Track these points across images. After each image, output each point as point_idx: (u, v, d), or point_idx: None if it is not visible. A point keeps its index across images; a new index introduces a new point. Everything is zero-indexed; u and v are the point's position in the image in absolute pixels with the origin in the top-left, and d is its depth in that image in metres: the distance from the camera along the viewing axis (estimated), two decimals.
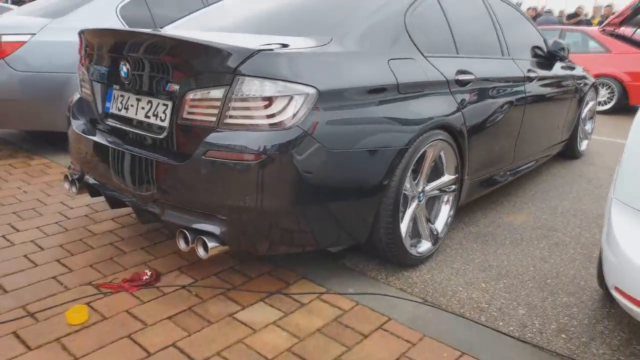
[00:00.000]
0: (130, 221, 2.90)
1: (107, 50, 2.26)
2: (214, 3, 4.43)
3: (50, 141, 4.56)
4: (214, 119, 1.88)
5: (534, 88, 3.34)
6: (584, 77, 4.38)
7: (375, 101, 2.10)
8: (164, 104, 2.06)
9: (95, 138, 2.30)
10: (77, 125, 2.46)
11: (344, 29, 2.18)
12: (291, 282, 2.28)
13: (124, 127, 2.24)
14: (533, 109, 3.34)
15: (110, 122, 2.33)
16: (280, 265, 2.40)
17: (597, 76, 7.34)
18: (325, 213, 2.03)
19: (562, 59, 3.84)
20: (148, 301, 2.09)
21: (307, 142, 1.87)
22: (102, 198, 3.16)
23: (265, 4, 2.71)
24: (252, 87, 1.82)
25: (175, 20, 2.99)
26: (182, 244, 1.99)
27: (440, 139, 2.41)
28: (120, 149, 2.14)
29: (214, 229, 1.91)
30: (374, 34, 2.24)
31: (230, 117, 1.85)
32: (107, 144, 2.22)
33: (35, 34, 3.88)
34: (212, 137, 1.86)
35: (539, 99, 3.43)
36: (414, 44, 2.41)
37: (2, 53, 3.75)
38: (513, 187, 3.79)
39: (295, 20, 2.40)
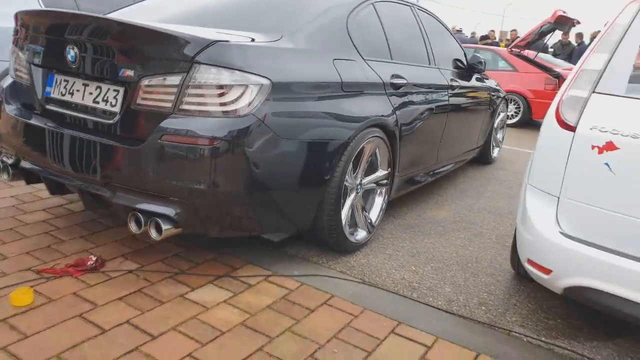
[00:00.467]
0: (63, 212, 2.85)
1: (51, 34, 2.24)
2: None
3: None
4: (169, 105, 1.95)
5: (455, 96, 3.69)
6: (497, 90, 4.87)
7: (322, 96, 2.28)
8: (114, 90, 2.09)
9: (36, 122, 2.27)
10: (13, 109, 2.40)
11: (293, 27, 2.34)
12: (237, 266, 2.38)
13: (68, 112, 2.23)
14: (454, 115, 3.69)
15: (51, 107, 2.30)
16: (224, 253, 2.49)
17: (505, 92, 8.07)
18: (274, 199, 2.16)
19: (479, 72, 4.25)
20: (95, 284, 2.10)
21: (260, 130, 1.99)
22: (30, 188, 3.11)
23: (201, 3, 2.80)
24: (209, 75, 1.92)
25: (116, 10, 2.99)
26: (133, 227, 2.03)
27: (377, 136, 2.64)
28: (66, 133, 2.14)
29: (169, 211, 1.97)
30: (320, 34, 2.42)
31: (187, 103, 1.94)
32: (51, 128, 2.20)
33: None
34: (168, 122, 1.94)
35: (460, 106, 3.79)
36: (355, 47, 2.62)
37: None
38: (434, 187, 4.13)
39: (242, 16, 2.52)
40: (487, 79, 4.73)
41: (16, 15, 2.42)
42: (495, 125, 5.07)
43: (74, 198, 3.03)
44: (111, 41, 2.05)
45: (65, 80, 2.25)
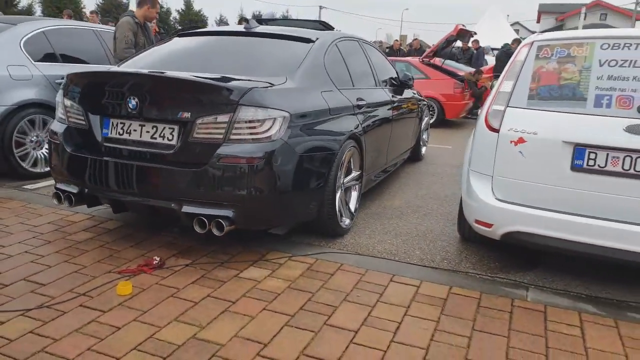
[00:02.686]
0: (101, 231, 3.40)
1: (111, 90, 2.88)
2: (103, 37, 5.07)
3: None
4: (221, 136, 2.69)
5: (395, 108, 4.65)
6: (421, 99, 5.95)
7: (319, 120, 3.10)
8: (170, 128, 2.78)
9: (99, 157, 2.88)
10: (74, 149, 2.98)
11: (291, 71, 3.15)
12: (265, 252, 3.12)
13: (128, 147, 2.88)
14: (396, 124, 4.65)
15: (110, 144, 2.93)
16: (248, 245, 3.22)
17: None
18: (297, 197, 2.96)
19: (409, 87, 5.27)
20: (168, 276, 2.76)
21: (286, 149, 2.79)
22: (55, 216, 3.60)
23: (211, 49, 3.53)
24: (249, 113, 2.69)
25: (128, 59, 3.61)
26: (198, 228, 2.73)
27: (353, 146, 3.50)
28: (128, 163, 2.79)
29: (228, 213, 2.70)
30: (310, 74, 3.25)
31: (234, 134, 2.68)
32: (114, 160, 2.83)
33: None
34: (222, 149, 2.67)
35: (399, 116, 4.76)
36: (331, 80, 3.47)
37: None
38: (385, 183, 5.07)
39: (252, 64, 3.28)
40: (415, 92, 5.79)
41: (68, 76, 3.01)
42: (422, 127, 6.16)
43: (102, 219, 3.59)
44: (168, 94, 2.74)
45: (121, 123, 2.89)
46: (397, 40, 18.17)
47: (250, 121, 2.69)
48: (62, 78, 4.71)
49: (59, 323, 2.26)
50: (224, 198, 2.71)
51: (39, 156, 4.64)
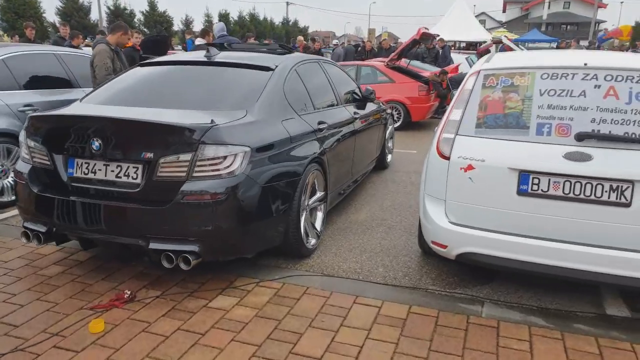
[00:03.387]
0: (71, 263, 3.46)
1: (74, 131, 2.94)
2: (71, 65, 5.14)
3: None
4: (184, 174, 2.78)
5: (358, 124, 4.80)
6: (384, 110, 6.11)
7: (280, 149, 3.22)
8: (134, 167, 2.86)
9: (65, 197, 2.94)
10: (41, 189, 3.03)
11: (250, 104, 3.25)
12: (232, 279, 3.24)
13: (94, 187, 2.95)
14: (359, 138, 4.79)
15: (76, 184, 2.99)
16: (217, 271, 3.32)
17: (387, 101, 9.52)
18: (261, 227, 3.08)
19: (371, 100, 5.42)
20: (139, 309, 2.86)
21: (248, 182, 2.90)
22: (26, 249, 3.65)
23: (172, 84, 3.61)
24: (211, 151, 2.79)
25: (88, 94, 3.65)
26: (166, 264, 2.82)
27: (316, 169, 3.63)
28: (95, 202, 2.86)
29: (194, 247, 2.80)
30: (270, 105, 3.36)
31: (197, 171, 2.78)
32: (81, 200, 2.90)
33: None
34: (187, 186, 2.77)
35: (362, 130, 4.90)
36: (292, 108, 3.59)
37: None
38: (352, 194, 5.22)
39: (210, 97, 3.37)
40: (378, 103, 5.95)
41: (29, 118, 3.05)
42: (387, 136, 6.33)
43: (72, 250, 3.64)
44: (131, 135, 2.82)
45: (86, 163, 2.96)
46: (368, 41, 18.27)
47: (212, 158, 2.79)
48: (25, 106, 4.77)
49: None
50: (190, 233, 2.81)
51: (4, 185, 4.64)
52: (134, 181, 2.85)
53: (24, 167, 3.16)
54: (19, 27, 21.05)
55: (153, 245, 2.83)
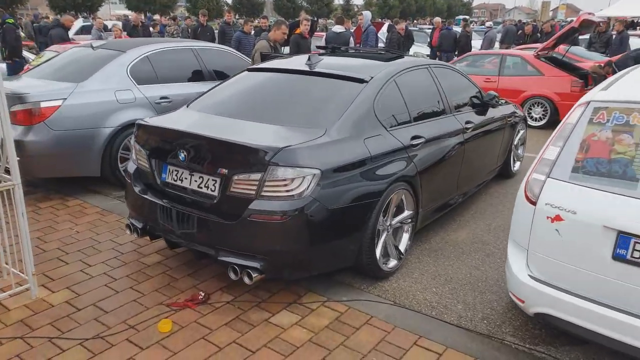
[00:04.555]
0: (171, 253, 3.82)
1: (165, 142, 3.20)
2: (206, 59, 5.51)
3: (76, 184, 5.34)
4: (253, 192, 2.85)
5: (471, 134, 4.40)
6: (514, 113, 5.52)
7: (357, 170, 3.12)
8: (212, 180, 3.01)
9: (157, 200, 3.22)
10: (140, 189, 3.37)
11: (331, 122, 3.18)
12: (302, 294, 3.27)
13: (179, 194, 3.18)
14: (471, 149, 4.41)
15: (167, 189, 3.26)
16: (291, 283, 3.38)
17: (532, 96, 8.60)
18: (328, 249, 3.05)
19: (493, 106, 4.93)
20: (207, 314, 3.05)
21: (315, 205, 2.87)
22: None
23: (265, 94, 3.70)
24: (279, 172, 2.81)
25: (195, 98, 3.91)
26: (232, 275, 2.96)
27: (403, 188, 3.45)
28: (180, 208, 3.09)
29: (256, 264, 2.89)
30: (353, 123, 3.25)
31: (265, 191, 2.83)
32: (169, 206, 3.15)
33: (66, 98, 4.71)
34: (254, 204, 2.84)
35: (475, 139, 4.50)
36: (380, 123, 3.43)
37: (42, 117, 4.58)
38: (459, 207, 4.87)
39: (296, 112, 3.39)
40: (506, 106, 5.40)
41: (137, 124, 3.39)
42: (515, 142, 5.74)
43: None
44: (210, 151, 2.98)
45: (176, 170, 3.20)
46: (529, 23, 16.26)
47: (280, 180, 2.81)
48: (161, 98, 5.30)
49: (103, 357, 2.65)
50: (254, 250, 2.89)
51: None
52: (212, 193, 3.01)
53: (131, 167, 3.54)
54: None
55: (221, 257, 2.98)
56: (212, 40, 11.02)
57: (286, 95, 3.62)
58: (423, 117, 3.91)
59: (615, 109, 2.45)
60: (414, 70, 4.00)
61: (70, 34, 11.55)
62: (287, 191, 2.83)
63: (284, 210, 2.81)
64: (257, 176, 2.83)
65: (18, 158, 2.91)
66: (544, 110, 8.55)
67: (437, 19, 14.48)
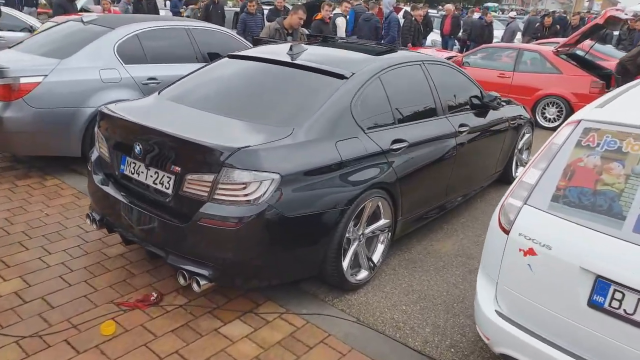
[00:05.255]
0: (135, 246, 3.64)
1: (123, 133, 2.99)
2: (199, 40, 5.23)
3: (59, 162, 5.17)
4: (206, 194, 2.63)
5: (465, 137, 4.10)
6: (519, 116, 5.17)
7: (324, 175, 2.87)
8: (167, 177, 2.80)
9: (114, 194, 3.03)
10: (98, 179, 3.19)
11: (301, 121, 2.92)
12: (260, 302, 3.07)
13: (136, 188, 2.98)
14: (464, 155, 4.11)
15: (124, 181, 3.06)
16: (251, 290, 3.18)
17: (548, 95, 8.17)
18: (287, 259, 2.83)
19: (494, 108, 4.58)
20: (156, 317, 2.87)
21: (272, 212, 2.64)
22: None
23: (238, 85, 3.46)
24: (234, 175, 2.58)
25: (168, 85, 3.69)
26: (181, 280, 2.77)
27: (377, 195, 3.19)
28: (134, 205, 2.89)
29: (205, 272, 2.69)
30: (325, 123, 2.98)
31: (218, 194, 2.61)
32: (123, 200, 2.96)
33: (47, 75, 4.52)
34: (205, 207, 2.62)
35: (470, 145, 4.19)
36: (357, 125, 3.15)
37: (21, 93, 4.40)
38: (449, 214, 4.58)
39: (267, 107, 3.14)
40: (511, 107, 5.05)
41: (100, 111, 3.18)
42: (520, 146, 5.40)
43: None
44: (165, 146, 2.76)
45: (134, 163, 2.99)
46: (549, 15, 15.43)
47: (234, 183, 2.58)
48: (149, 79, 5.08)
49: (36, 358, 2.50)
50: (203, 256, 2.69)
51: None
52: (166, 191, 2.81)
53: (94, 155, 3.35)
54: None
55: (170, 260, 2.79)
56: (222, 19, 10.67)
57: (260, 87, 3.38)
58: (409, 118, 3.63)
59: (608, 131, 2.15)
60: (404, 66, 3.71)
61: (80, 3, 11.33)
62: (242, 196, 2.60)
63: (236, 216, 2.59)
64: (210, 177, 2.61)
65: None
66: (558, 111, 8.12)
67: (449, 6, 13.90)
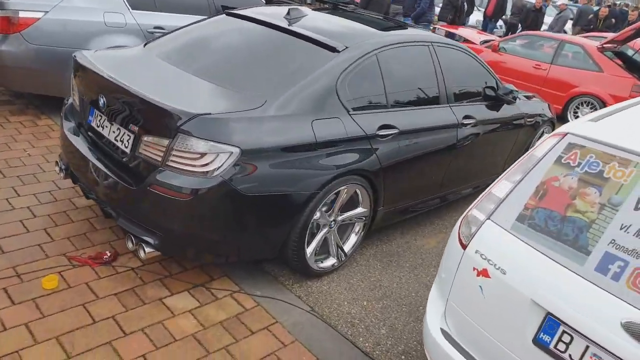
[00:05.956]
0: None
1: (90, 83, 2.85)
2: None
3: (58, 103, 5.09)
4: (160, 159, 2.48)
5: (469, 130, 3.80)
6: (539, 115, 4.81)
7: (293, 155, 2.67)
8: (127, 135, 2.65)
9: (77, 145, 2.91)
10: (68, 127, 3.07)
11: (277, 93, 2.71)
12: (215, 277, 2.95)
13: (99, 141, 2.86)
14: (466, 149, 3.82)
15: (90, 134, 2.94)
16: (212, 264, 3.05)
17: (583, 94, 7.63)
18: (241, 238, 2.67)
19: (508, 103, 4.23)
20: (103, 277, 2.79)
21: (227, 188, 2.47)
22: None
23: (224, 46, 3.24)
24: (188, 143, 2.41)
25: (156, 38, 3.50)
26: (129, 244, 2.65)
27: (354, 182, 2.98)
28: (95, 160, 2.77)
29: (151, 239, 2.56)
30: (304, 99, 2.76)
31: (171, 161, 2.45)
32: (85, 154, 2.83)
33: (47, 12, 4.39)
34: (156, 173, 2.47)
35: (475, 139, 3.89)
36: (342, 104, 2.92)
37: (19, 27, 4.30)
38: (444, 209, 4.33)
39: (248, 73, 2.92)
40: (530, 104, 4.69)
41: (73, 58, 3.03)
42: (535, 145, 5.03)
43: None
44: (127, 103, 2.60)
45: (100, 115, 2.85)
46: (608, 5, 14.31)
47: (188, 152, 2.42)
48: (155, 27, 4.90)
49: None
50: (150, 223, 2.56)
51: None
52: (125, 149, 2.67)
53: (69, 102, 3.23)
54: None
55: (120, 223, 2.68)
56: None
57: (246, 51, 3.15)
58: (405, 104, 3.36)
59: (592, 150, 1.88)
60: (408, 46, 3.41)
61: None
62: (197, 167, 2.44)
63: (187, 187, 2.43)
64: (164, 142, 2.45)
65: None
66: (592, 111, 7.59)
67: None
